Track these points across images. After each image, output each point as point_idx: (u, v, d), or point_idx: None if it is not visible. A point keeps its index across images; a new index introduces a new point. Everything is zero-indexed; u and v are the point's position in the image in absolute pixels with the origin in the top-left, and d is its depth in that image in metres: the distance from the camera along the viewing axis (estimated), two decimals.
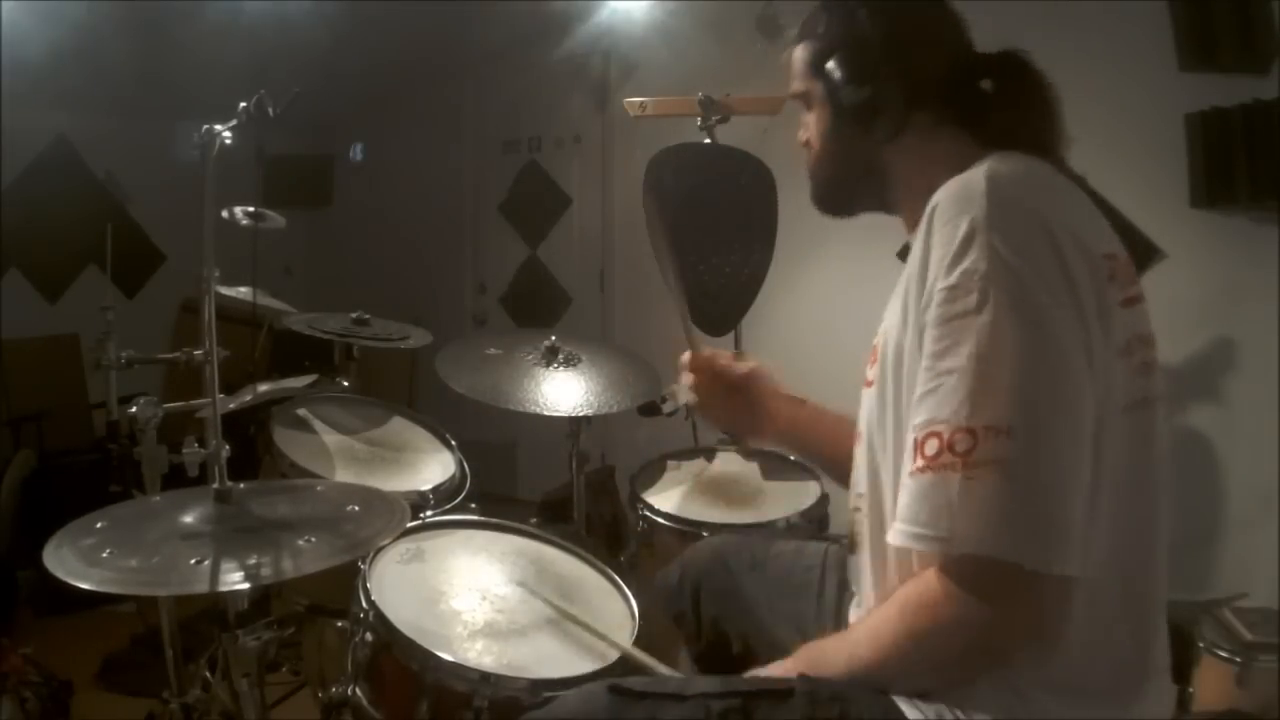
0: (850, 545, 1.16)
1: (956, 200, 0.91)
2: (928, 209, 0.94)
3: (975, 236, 0.87)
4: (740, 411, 1.45)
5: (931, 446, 0.87)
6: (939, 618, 0.88)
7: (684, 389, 1.47)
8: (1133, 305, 0.95)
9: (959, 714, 0.91)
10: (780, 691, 0.95)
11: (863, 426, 1.08)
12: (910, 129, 1.07)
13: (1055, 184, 0.98)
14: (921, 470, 0.87)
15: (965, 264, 0.87)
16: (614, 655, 1.33)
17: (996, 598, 0.85)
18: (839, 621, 1.24)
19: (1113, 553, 0.91)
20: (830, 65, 1.07)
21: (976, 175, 0.92)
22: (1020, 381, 0.84)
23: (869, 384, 1.06)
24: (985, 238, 0.87)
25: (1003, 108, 1.04)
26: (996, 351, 0.85)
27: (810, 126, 1.17)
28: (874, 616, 0.98)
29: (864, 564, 1.08)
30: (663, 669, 1.26)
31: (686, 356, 1.46)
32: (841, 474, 1.22)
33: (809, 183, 1.21)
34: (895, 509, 0.97)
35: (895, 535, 0.90)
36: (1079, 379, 0.86)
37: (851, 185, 1.17)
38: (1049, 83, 1.05)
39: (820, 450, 1.43)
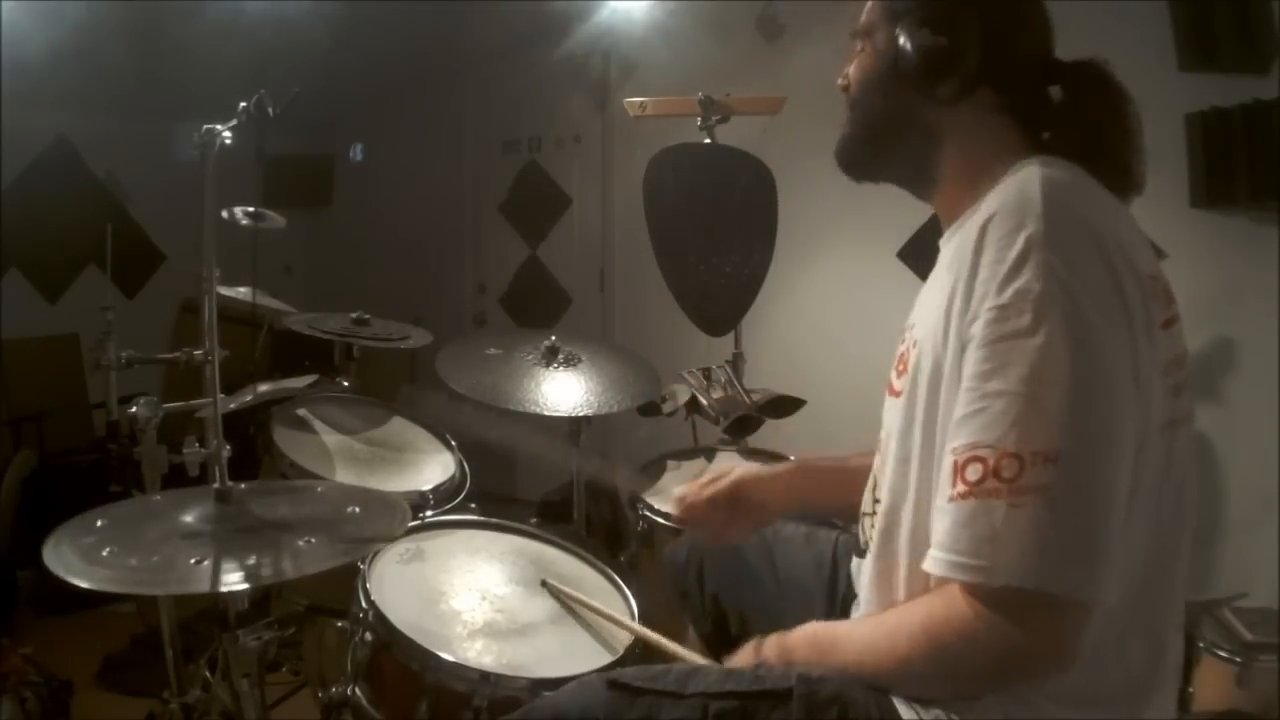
0: (857, 550, 1.15)
1: (1012, 213, 0.88)
2: (977, 221, 0.90)
3: (1031, 254, 0.84)
4: (748, 519, 1.37)
5: (974, 471, 0.84)
6: (969, 641, 0.85)
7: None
8: (1170, 327, 0.94)
9: (955, 719, 0.90)
10: (779, 693, 0.94)
11: (885, 436, 1.05)
12: (970, 102, 1.01)
13: (1105, 197, 0.96)
14: (964, 496, 0.85)
15: (1019, 283, 0.84)
16: (614, 655, 1.33)
17: (1032, 626, 0.83)
18: (845, 607, 1.22)
19: (1139, 568, 0.90)
20: (911, 7, 1.01)
21: (1031, 185, 0.89)
22: (1071, 407, 0.82)
23: (895, 393, 1.02)
24: (1041, 255, 0.84)
25: (1069, 113, 1.01)
26: (1048, 375, 0.82)
27: (856, 69, 1.09)
28: (892, 623, 0.95)
29: (868, 570, 1.07)
30: (678, 649, 1.25)
31: (683, 507, 1.39)
32: (848, 515, 1.21)
33: (838, 134, 1.12)
34: (912, 521, 0.97)
35: (935, 564, 0.88)
36: (1126, 404, 0.85)
37: (886, 144, 1.08)
38: (1130, 99, 1.00)
39: (825, 505, 1.39)
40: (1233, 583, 2.37)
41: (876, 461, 1.09)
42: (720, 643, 1.33)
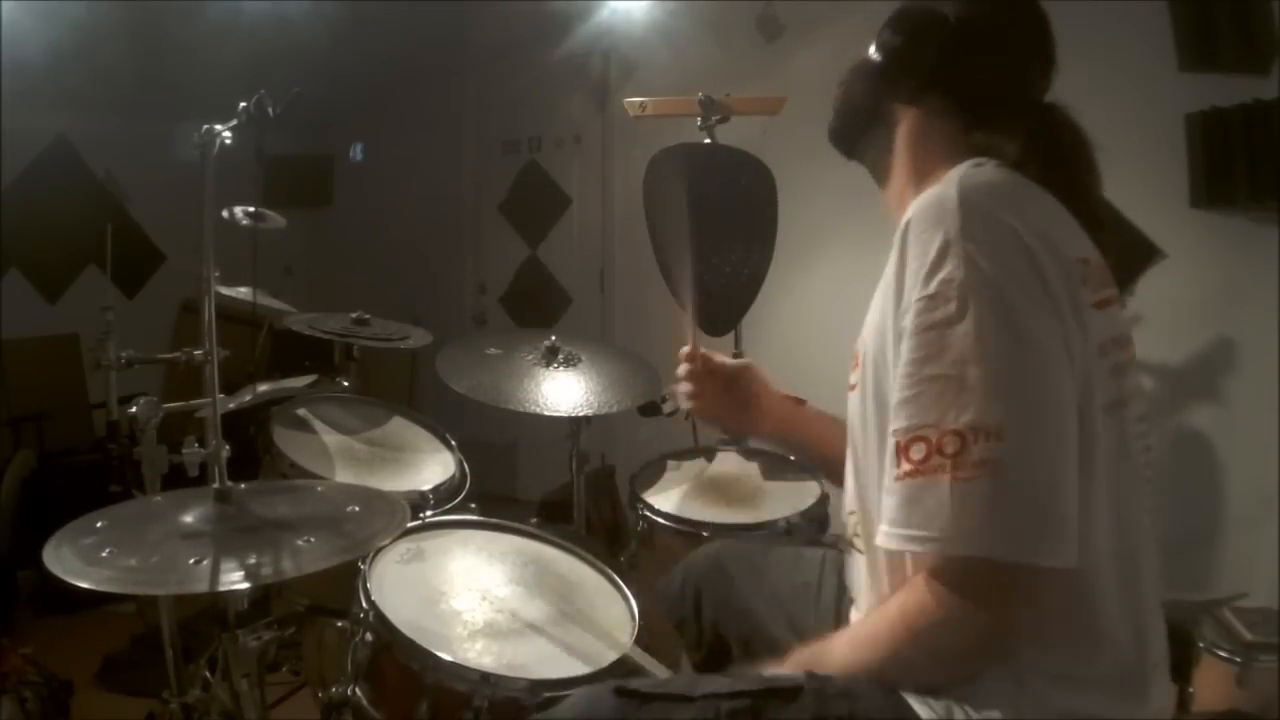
0: (848, 547, 1.16)
1: (929, 214, 0.92)
2: (902, 222, 0.95)
3: (950, 247, 0.89)
4: (733, 407, 1.46)
5: (918, 451, 0.87)
6: (937, 621, 0.88)
7: (681, 392, 1.46)
8: (1105, 308, 0.97)
9: (968, 710, 0.91)
10: (789, 690, 0.95)
11: (850, 431, 1.09)
12: (925, 106, 1.10)
13: (1025, 192, 0.98)
14: (910, 474, 0.88)
15: (943, 273, 0.88)
16: (614, 656, 1.33)
17: (994, 597, 0.86)
18: (838, 625, 1.24)
19: (1107, 547, 0.92)
20: (896, 8, 1.11)
21: (949, 189, 0.93)
22: (1006, 383, 0.85)
23: (852, 388, 1.08)
24: (961, 247, 0.88)
25: (1025, 137, 1.04)
26: (981, 355, 0.86)
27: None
28: (871, 620, 0.99)
29: (860, 566, 1.09)
30: (661, 670, 1.26)
31: (685, 349, 1.46)
32: (837, 475, 1.22)
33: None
34: (873, 509, 0.99)
35: (885, 539, 0.90)
36: (1062, 378, 0.88)
37: (856, 125, 1.20)
38: (1089, 144, 1.06)
39: (816, 450, 1.44)
40: (1233, 583, 2.38)
41: (848, 456, 1.12)
42: (720, 670, 1.34)
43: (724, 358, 1.48)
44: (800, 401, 1.49)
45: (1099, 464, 0.90)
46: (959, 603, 0.87)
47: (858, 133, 1.20)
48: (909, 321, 0.90)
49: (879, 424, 0.98)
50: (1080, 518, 0.86)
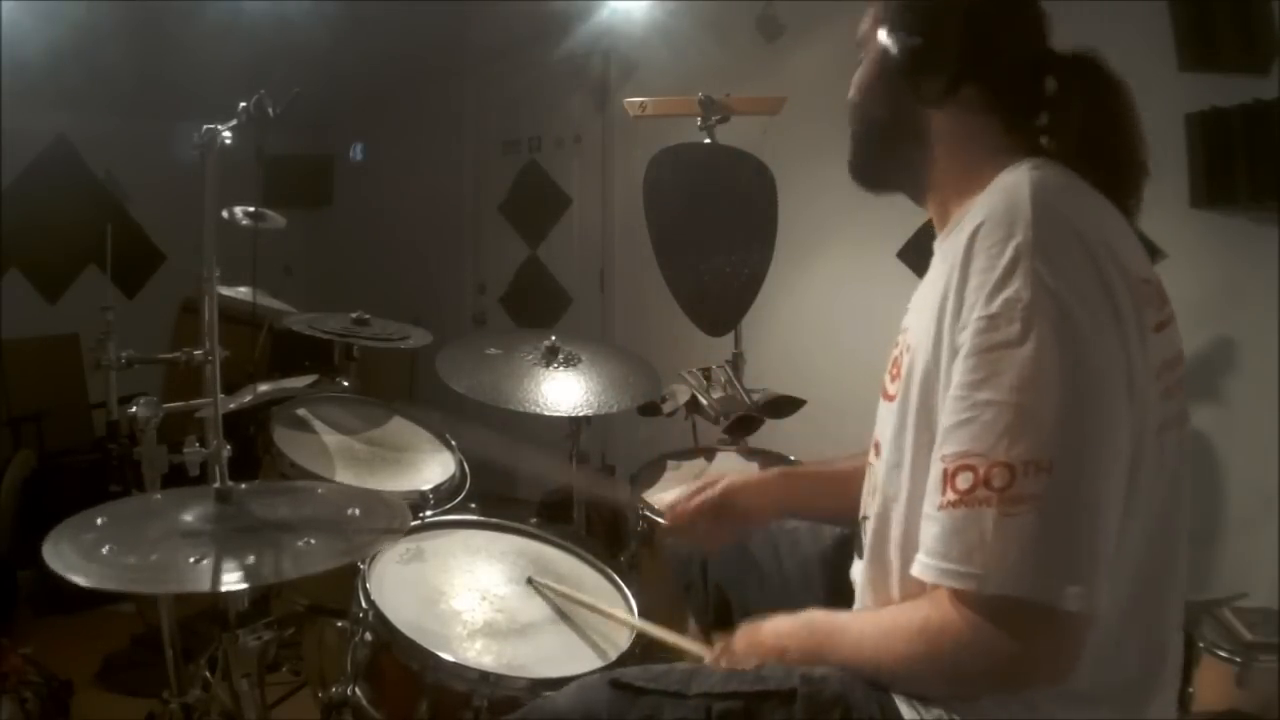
0: (857, 550, 1.15)
1: (1001, 220, 0.87)
2: (967, 229, 0.90)
3: (1019, 263, 0.84)
4: (733, 526, 1.38)
5: (965, 480, 0.84)
6: (965, 648, 0.85)
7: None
8: (1164, 329, 0.94)
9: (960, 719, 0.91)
10: (783, 693, 0.94)
11: (878, 440, 1.05)
12: (958, 103, 1.01)
13: (1096, 202, 0.95)
14: (954, 504, 0.84)
15: (1008, 292, 0.84)
16: (613, 655, 1.33)
17: (1026, 635, 0.83)
18: (848, 602, 1.23)
19: (1135, 571, 0.90)
20: (893, 9, 1.03)
21: (1020, 191, 0.89)
22: (1062, 416, 0.82)
23: (889, 398, 1.02)
24: (1030, 264, 0.84)
25: (1061, 109, 1.01)
26: (1039, 384, 0.82)
27: (856, 77, 1.11)
28: (889, 622, 0.95)
29: (864, 573, 1.07)
30: (676, 638, 1.26)
31: (672, 515, 1.41)
32: (837, 522, 1.21)
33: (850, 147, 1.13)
34: (903, 525, 0.97)
35: (923, 570, 0.88)
36: (1119, 411, 0.84)
37: (885, 149, 1.10)
38: (1126, 91, 1.00)
39: (820, 512, 1.39)
40: (1233, 583, 2.37)
41: (870, 465, 1.09)
42: (723, 635, 1.34)
43: (701, 494, 1.38)
44: (791, 474, 1.43)
45: (1142, 487, 0.88)
46: (988, 634, 0.83)
47: (887, 158, 1.10)
48: (967, 339, 0.86)
49: (917, 440, 0.94)
50: (1114, 553, 0.84)
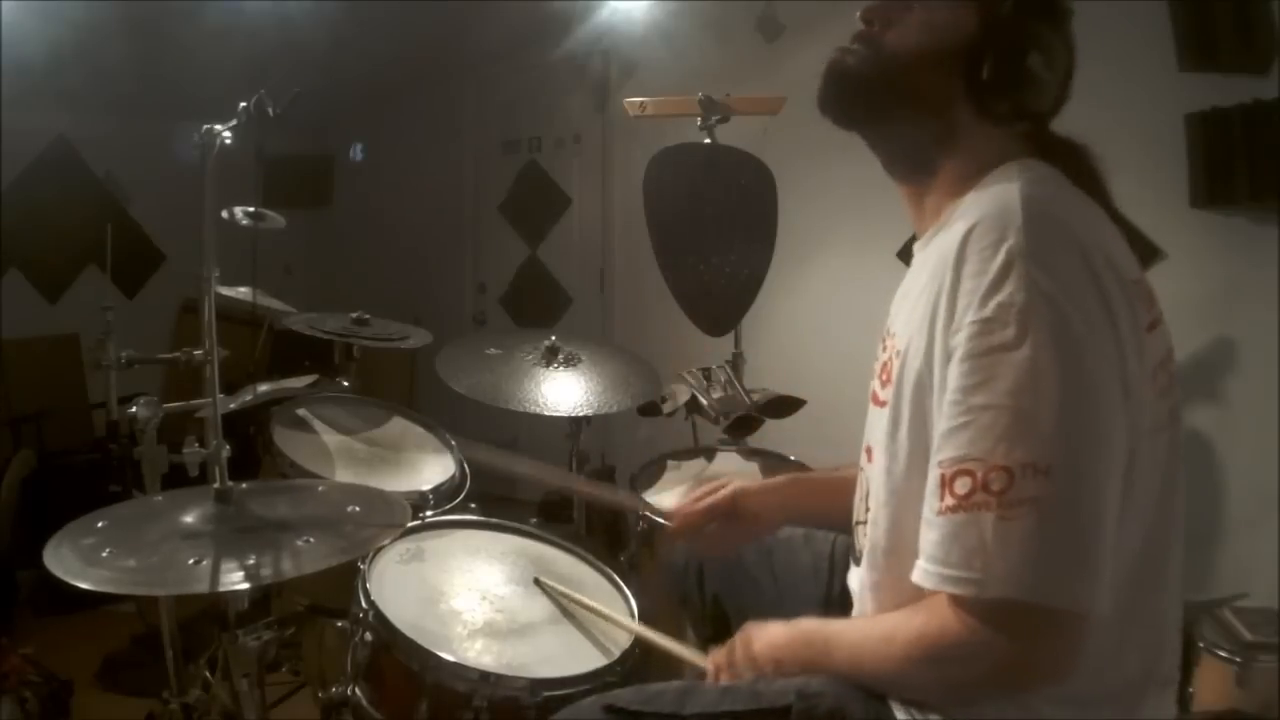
0: (853, 556, 1.14)
1: (993, 223, 0.87)
2: (964, 230, 0.88)
3: (1013, 267, 0.83)
4: (741, 531, 1.38)
5: (963, 484, 0.84)
6: (965, 653, 0.86)
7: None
8: (1155, 329, 0.93)
9: None
10: (777, 710, 0.94)
11: (870, 445, 1.05)
12: (975, 100, 0.98)
13: (1084, 202, 0.95)
14: (952, 509, 0.84)
15: (1001, 296, 0.83)
16: (614, 654, 1.33)
17: (1026, 638, 0.83)
18: (843, 609, 1.22)
19: (1131, 572, 0.90)
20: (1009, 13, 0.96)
21: (1012, 194, 0.88)
22: (1059, 418, 0.81)
23: (880, 403, 1.01)
24: (1023, 267, 0.83)
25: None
26: (1035, 387, 0.81)
27: (904, 30, 1.00)
28: (888, 628, 0.95)
29: (861, 579, 1.07)
30: (675, 646, 1.26)
31: (679, 518, 1.41)
32: (841, 528, 1.21)
33: (829, 73, 1.05)
34: (899, 530, 0.96)
35: (923, 577, 0.87)
36: (1115, 413, 0.84)
37: (896, 114, 1.02)
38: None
39: (827, 518, 1.37)
40: (1233, 583, 2.37)
41: (863, 470, 1.08)
42: (721, 641, 1.34)
43: (708, 498, 1.38)
44: (793, 480, 1.43)
45: (1139, 487, 0.88)
46: (988, 637, 0.83)
47: (888, 120, 1.04)
48: (961, 343, 0.85)
49: (912, 445, 0.94)
50: (1112, 554, 0.84)
